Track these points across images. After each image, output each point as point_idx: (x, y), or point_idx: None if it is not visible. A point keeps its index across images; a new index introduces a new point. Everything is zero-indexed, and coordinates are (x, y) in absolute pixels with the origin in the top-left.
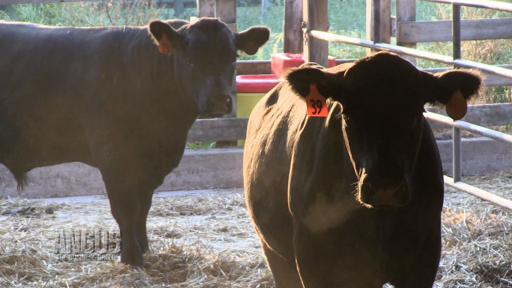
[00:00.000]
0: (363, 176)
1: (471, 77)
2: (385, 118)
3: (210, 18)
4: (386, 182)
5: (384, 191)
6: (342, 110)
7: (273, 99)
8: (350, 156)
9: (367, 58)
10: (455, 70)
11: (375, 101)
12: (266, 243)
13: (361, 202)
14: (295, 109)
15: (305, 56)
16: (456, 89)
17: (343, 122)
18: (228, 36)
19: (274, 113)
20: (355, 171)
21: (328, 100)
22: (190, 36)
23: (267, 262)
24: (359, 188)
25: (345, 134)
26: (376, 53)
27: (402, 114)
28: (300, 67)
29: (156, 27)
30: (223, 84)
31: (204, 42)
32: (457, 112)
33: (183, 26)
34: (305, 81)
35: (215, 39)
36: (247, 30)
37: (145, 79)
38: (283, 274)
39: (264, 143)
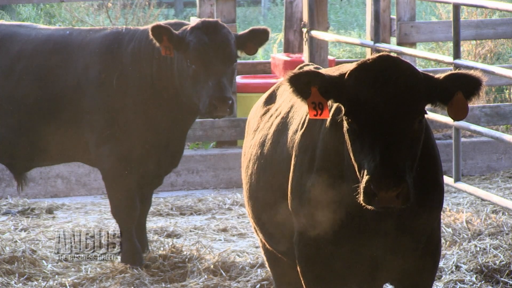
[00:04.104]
0: (365, 178)
1: (472, 78)
2: (387, 120)
3: (211, 19)
4: (388, 184)
5: (386, 193)
6: (343, 112)
7: (271, 99)
8: (352, 157)
9: (368, 60)
10: (456, 71)
11: (376, 103)
12: (266, 243)
13: (363, 204)
14: (295, 109)
15: (305, 56)
16: (457, 90)
17: (345, 124)
18: (229, 38)
19: (272, 113)
20: (357, 172)
21: (329, 102)
22: (191, 37)
23: (266, 262)
24: (361, 190)
25: (346, 136)
26: (377, 55)
27: (404, 116)
28: (298, 67)
29: (157, 30)
30: (225, 86)
31: (205, 43)
32: (458, 113)
33: (183, 28)
34: (306, 84)
35: (216, 41)
36: (246, 31)
37: (144, 80)
38: (282, 274)
39: (263, 144)
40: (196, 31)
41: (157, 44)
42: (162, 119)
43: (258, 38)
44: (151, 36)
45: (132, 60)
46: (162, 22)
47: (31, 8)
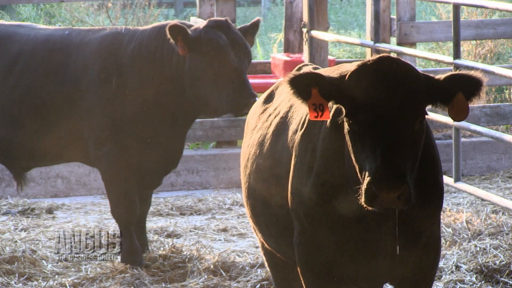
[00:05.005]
0: (366, 179)
1: (472, 79)
2: (388, 121)
3: (218, 18)
4: (389, 186)
5: (388, 194)
6: (344, 113)
7: (270, 99)
8: (353, 159)
9: (368, 61)
10: (457, 72)
11: (377, 105)
12: (265, 243)
13: (365, 205)
14: (294, 109)
15: (305, 56)
16: (458, 91)
17: (345, 125)
18: (241, 35)
19: (271, 113)
20: (358, 174)
21: (329, 104)
22: (208, 36)
23: (265, 262)
24: (362, 192)
25: (347, 137)
26: (377, 56)
27: (405, 117)
28: (296, 68)
29: (174, 30)
30: (249, 83)
31: (225, 41)
32: (459, 113)
33: (194, 28)
34: (306, 85)
35: (234, 39)
36: (247, 25)
37: (145, 81)
38: (281, 274)
39: (261, 143)
40: (211, 30)
41: (175, 44)
42: (162, 120)
43: (254, 29)
44: (168, 35)
45: (133, 60)
46: (164, 22)
47: (31, 8)
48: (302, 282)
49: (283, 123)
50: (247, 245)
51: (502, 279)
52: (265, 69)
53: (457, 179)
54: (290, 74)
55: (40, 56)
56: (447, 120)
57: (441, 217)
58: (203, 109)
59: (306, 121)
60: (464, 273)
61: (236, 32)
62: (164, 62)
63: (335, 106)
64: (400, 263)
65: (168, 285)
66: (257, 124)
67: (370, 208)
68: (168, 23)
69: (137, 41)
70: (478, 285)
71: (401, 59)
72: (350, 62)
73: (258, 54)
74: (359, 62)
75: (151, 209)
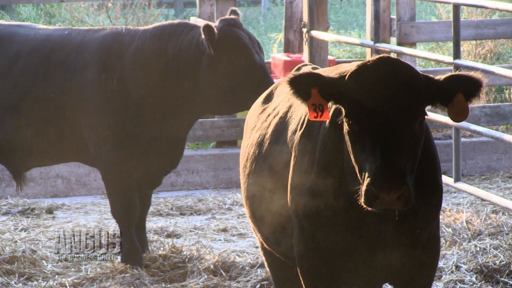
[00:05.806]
0: (366, 180)
1: (472, 79)
2: (387, 122)
3: (228, 17)
4: (389, 186)
5: (387, 195)
6: (343, 113)
7: (269, 99)
8: (352, 159)
9: (368, 61)
10: (457, 72)
11: (377, 105)
12: (264, 243)
13: (365, 206)
14: (293, 109)
15: (305, 56)
16: (458, 91)
17: (345, 125)
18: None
19: (270, 113)
20: (358, 174)
21: (329, 104)
22: (231, 34)
23: (265, 262)
24: (362, 193)
25: (347, 137)
26: (377, 56)
27: (404, 118)
28: (296, 68)
29: (204, 30)
30: (272, 77)
31: (247, 39)
32: (459, 114)
33: (214, 25)
34: (306, 86)
35: (250, 35)
36: (232, 16)
37: (149, 81)
38: (281, 274)
39: (261, 144)
40: (231, 28)
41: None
42: (163, 120)
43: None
44: (203, 35)
45: (135, 61)
46: (166, 22)
47: (31, 8)
48: (302, 282)
49: (282, 123)
50: (247, 245)
51: (502, 279)
52: None
53: (457, 179)
54: (289, 74)
55: (39, 56)
56: (447, 120)
57: (441, 217)
58: (218, 108)
59: (306, 121)
60: (464, 273)
61: (245, 28)
62: (169, 61)
63: (334, 106)
64: (399, 263)
65: (168, 285)
66: (256, 124)
67: (370, 208)
68: (171, 23)
69: (140, 41)
70: (478, 285)
71: (401, 60)
72: (350, 62)
73: None
74: (359, 62)
75: (151, 209)
